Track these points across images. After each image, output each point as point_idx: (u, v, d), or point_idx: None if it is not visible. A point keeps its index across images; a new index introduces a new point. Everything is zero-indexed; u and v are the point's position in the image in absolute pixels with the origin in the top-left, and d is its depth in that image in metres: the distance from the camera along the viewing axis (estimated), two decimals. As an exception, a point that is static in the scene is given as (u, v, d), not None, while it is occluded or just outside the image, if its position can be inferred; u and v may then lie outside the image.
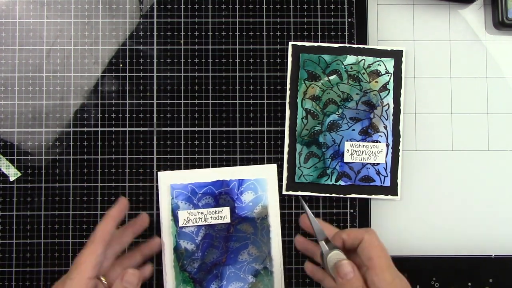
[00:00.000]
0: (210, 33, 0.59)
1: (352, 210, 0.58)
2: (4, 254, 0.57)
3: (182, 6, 0.59)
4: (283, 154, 0.58)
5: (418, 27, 0.60)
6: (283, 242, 0.58)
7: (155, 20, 0.59)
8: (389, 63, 0.58)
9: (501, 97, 0.60)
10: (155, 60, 0.59)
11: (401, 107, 0.58)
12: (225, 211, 0.57)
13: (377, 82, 0.58)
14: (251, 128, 0.59)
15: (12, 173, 0.58)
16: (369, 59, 0.58)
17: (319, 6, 0.59)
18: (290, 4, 0.59)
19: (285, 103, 0.59)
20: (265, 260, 0.57)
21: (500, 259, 0.58)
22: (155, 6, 0.59)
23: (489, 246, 0.58)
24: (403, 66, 0.59)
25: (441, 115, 0.59)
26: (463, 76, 0.60)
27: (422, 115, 0.59)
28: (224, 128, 0.58)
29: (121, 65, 0.59)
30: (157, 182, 0.58)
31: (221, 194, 0.57)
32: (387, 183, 0.58)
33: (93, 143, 0.58)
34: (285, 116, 0.58)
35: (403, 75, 0.59)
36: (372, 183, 0.58)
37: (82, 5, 0.59)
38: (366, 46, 0.59)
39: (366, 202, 0.58)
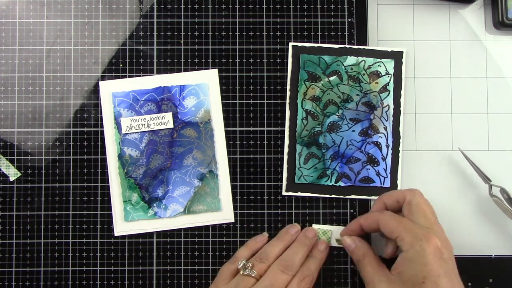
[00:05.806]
0: (210, 33, 0.59)
1: (352, 210, 0.58)
2: (4, 254, 0.57)
3: (182, 6, 0.59)
4: (283, 155, 0.58)
5: (418, 27, 0.60)
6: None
7: (155, 20, 0.59)
8: (389, 64, 0.58)
9: (501, 97, 0.60)
10: (155, 60, 0.59)
11: (401, 108, 0.58)
12: (168, 117, 0.57)
13: (377, 83, 0.58)
14: (251, 128, 0.59)
15: (12, 173, 0.58)
16: (369, 60, 0.58)
17: (319, 6, 0.59)
18: (290, 4, 0.59)
19: (285, 103, 0.59)
20: (210, 163, 0.58)
21: (500, 259, 0.58)
22: (155, 6, 0.59)
23: (489, 246, 0.58)
24: (403, 67, 0.59)
25: (441, 115, 0.59)
26: (463, 76, 0.60)
27: (422, 115, 0.59)
28: (224, 128, 0.58)
29: (121, 65, 0.59)
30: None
31: (163, 100, 0.58)
32: (387, 184, 0.58)
33: (93, 143, 0.58)
34: (285, 116, 0.58)
35: (403, 76, 0.59)
36: (372, 184, 0.58)
37: (82, 5, 0.59)
38: (366, 47, 0.59)
39: (367, 201, 0.58)
